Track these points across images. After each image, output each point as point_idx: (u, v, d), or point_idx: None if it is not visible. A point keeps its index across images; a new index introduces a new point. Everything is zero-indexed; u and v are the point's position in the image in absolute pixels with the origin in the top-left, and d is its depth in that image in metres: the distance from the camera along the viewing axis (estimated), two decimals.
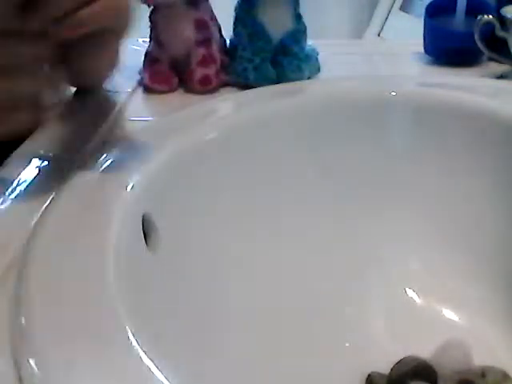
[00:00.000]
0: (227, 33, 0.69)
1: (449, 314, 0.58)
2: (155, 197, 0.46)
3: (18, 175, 0.48)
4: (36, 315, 0.33)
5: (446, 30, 0.73)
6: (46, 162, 0.51)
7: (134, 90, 0.67)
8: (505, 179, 0.57)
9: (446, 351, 0.52)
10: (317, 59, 0.69)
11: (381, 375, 0.52)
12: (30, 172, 0.49)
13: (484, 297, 0.57)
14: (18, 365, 0.31)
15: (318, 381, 0.52)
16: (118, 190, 0.44)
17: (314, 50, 0.69)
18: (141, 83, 0.68)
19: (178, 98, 0.65)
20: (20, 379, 0.30)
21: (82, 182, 0.45)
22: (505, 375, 0.50)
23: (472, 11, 0.71)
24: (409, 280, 0.60)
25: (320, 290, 0.58)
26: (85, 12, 0.44)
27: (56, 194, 0.44)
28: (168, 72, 0.66)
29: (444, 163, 0.59)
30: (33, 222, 0.42)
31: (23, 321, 0.33)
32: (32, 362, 0.30)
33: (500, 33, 0.67)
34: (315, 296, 0.57)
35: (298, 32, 0.67)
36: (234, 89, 0.66)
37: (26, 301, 0.34)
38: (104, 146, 0.50)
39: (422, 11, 0.75)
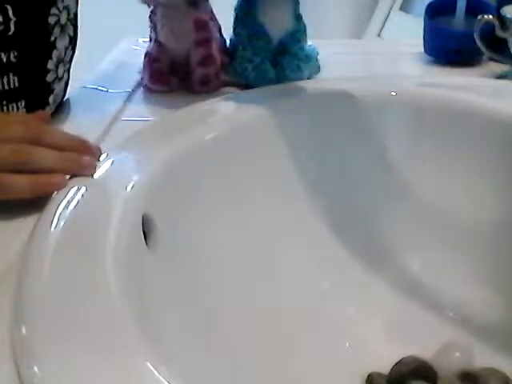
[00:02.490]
0: (227, 33, 0.69)
1: (449, 314, 0.58)
2: (155, 197, 0.46)
3: None
4: (36, 317, 0.33)
5: (446, 30, 0.73)
6: None
7: (133, 90, 0.67)
8: (505, 179, 0.57)
9: (446, 352, 0.52)
10: (317, 59, 0.69)
11: (381, 375, 0.52)
12: None
13: (484, 297, 0.57)
14: (18, 368, 0.31)
15: (318, 381, 0.52)
16: (118, 190, 0.44)
17: (314, 49, 0.69)
18: (141, 83, 0.68)
19: (178, 98, 0.65)
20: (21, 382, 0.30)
21: (83, 182, 0.45)
22: (505, 377, 0.50)
23: (472, 11, 0.71)
24: (409, 280, 0.60)
25: (320, 289, 0.58)
26: None
27: (56, 194, 0.44)
28: (168, 72, 0.66)
29: (444, 163, 0.59)
30: (33, 223, 0.42)
31: (23, 324, 0.33)
32: (34, 366, 0.30)
33: (500, 33, 0.67)
34: (315, 296, 0.57)
35: (298, 32, 0.66)
36: (234, 89, 0.66)
37: (26, 302, 0.34)
38: (103, 147, 0.50)
39: (422, 11, 0.75)
